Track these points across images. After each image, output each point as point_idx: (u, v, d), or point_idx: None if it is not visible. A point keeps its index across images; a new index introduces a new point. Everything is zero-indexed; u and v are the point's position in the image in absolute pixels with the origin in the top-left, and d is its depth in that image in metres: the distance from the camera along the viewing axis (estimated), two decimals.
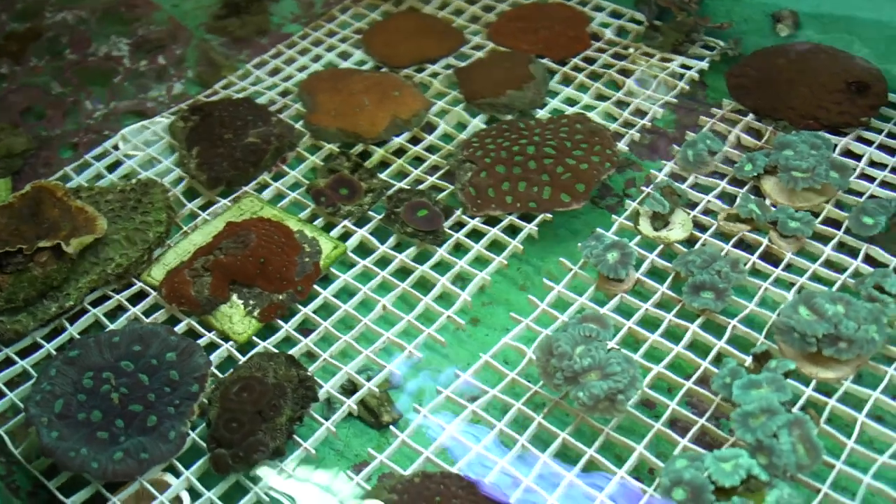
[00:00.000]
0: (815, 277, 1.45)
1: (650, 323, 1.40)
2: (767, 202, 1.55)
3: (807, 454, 1.14)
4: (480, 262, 1.52)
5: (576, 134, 1.62)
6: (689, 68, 1.86)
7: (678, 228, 1.51)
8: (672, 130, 1.76)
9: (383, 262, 1.53)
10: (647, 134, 1.76)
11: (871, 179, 1.58)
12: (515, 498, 1.19)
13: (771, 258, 1.48)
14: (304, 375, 1.29)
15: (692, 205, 1.58)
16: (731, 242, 1.50)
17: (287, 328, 1.42)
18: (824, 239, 1.50)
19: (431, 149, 1.73)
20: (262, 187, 1.68)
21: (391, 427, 1.30)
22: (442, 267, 1.52)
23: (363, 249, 1.56)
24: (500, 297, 1.50)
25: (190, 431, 1.27)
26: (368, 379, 1.35)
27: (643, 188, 1.61)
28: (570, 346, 1.23)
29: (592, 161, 1.57)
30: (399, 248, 1.55)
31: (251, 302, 1.42)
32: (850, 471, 1.19)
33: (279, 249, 1.47)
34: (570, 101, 1.82)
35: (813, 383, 1.29)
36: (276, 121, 1.74)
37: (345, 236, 1.57)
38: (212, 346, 1.40)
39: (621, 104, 1.80)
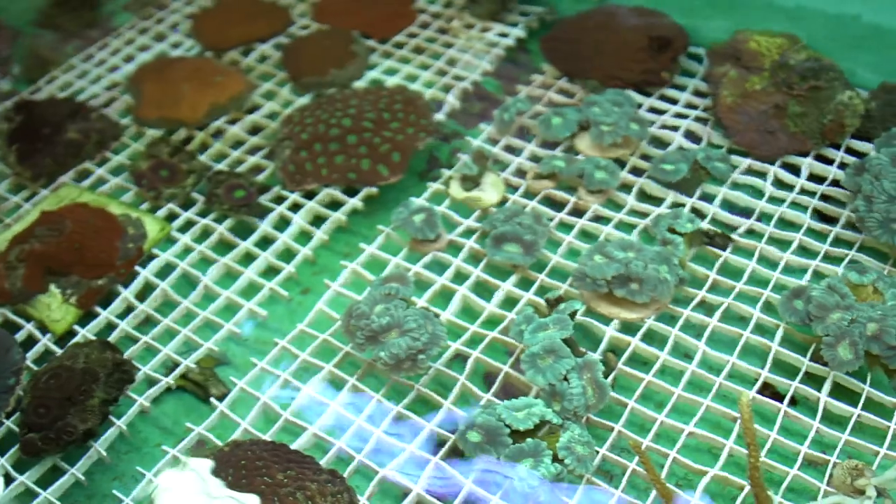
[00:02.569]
0: (624, 226, 1.52)
1: (463, 279, 1.46)
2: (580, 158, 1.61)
3: (594, 395, 1.20)
4: (306, 236, 1.56)
5: (394, 104, 1.66)
6: (507, 36, 1.92)
7: (490, 190, 1.56)
8: (501, 97, 1.81)
9: (208, 242, 1.55)
10: (477, 102, 1.81)
11: (676, 129, 1.67)
12: (328, 460, 1.23)
13: (581, 214, 1.55)
14: (119, 359, 1.31)
15: (507, 167, 1.63)
16: (537, 199, 1.56)
17: (106, 314, 1.44)
18: (630, 190, 1.58)
19: (255, 129, 1.76)
20: (85, 175, 1.68)
21: (219, 401, 1.32)
22: (267, 243, 1.55)
23: (188, 231, 1.57)
24: (330, 267, 1.53)
25: (4, 420, 1.28)
26: (191, 354, 1.38)
27: (459, 155, 1.65)
28: (368, 306, 1.28)
29: (408, 132, 1.61)
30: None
31: (69, 290, 1.43)
32: (642, 409, 1.27)
33: (97, 234, 1.48)
34: (394, 76, 1.85)
35: (615, 323, 1.36)
36: (98, 116, 1.75)
37: (170, 219, 1.59)
38: (32, 340, 1.42)
39: (444, 75, 1.85)
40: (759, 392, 1.29)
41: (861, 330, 1.24)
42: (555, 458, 1.16)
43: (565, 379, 1.20)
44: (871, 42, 1.69)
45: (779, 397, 1.28)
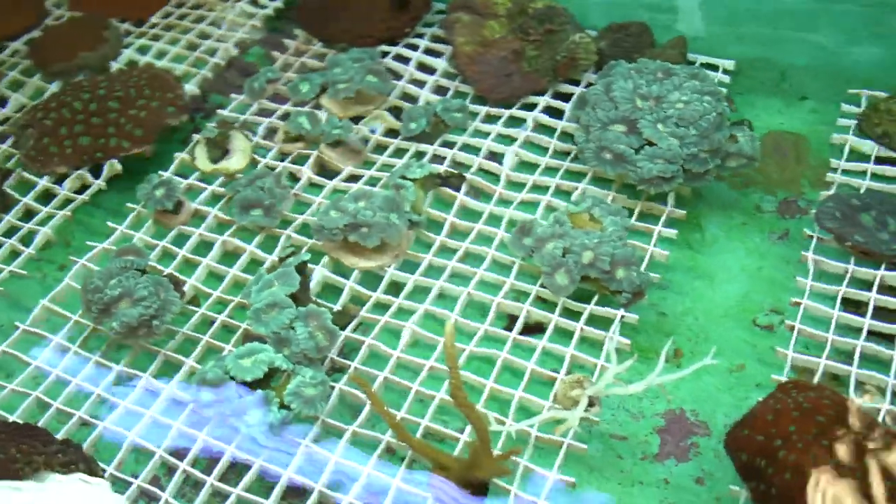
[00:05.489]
0: (372, 181, 1.56)
1: (209, 247, 1.48)
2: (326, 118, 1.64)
3: (325, 338, 1.24)
4: (52, 217, 1.55)
5: (141, 83, 1.66)
6: (264, 7, 1.94)
7: (237, 156, 1.58)
8: (261, 66, 1.82)
9: None
10: (240, 74, 1.82)
11: (423, 84, 1.72)
12: (69, 432, 1.24)
13: (327, 171, 1.59)
14: None
15: (257, 133, 1.66)
16: (289, 159, 1.59)
17: None
18: (382, 149, 1.63)
19: (4, 121, 1.74)
20: None
21: None
22: (14, 231, 1.54)
23: None
24: (84, 248, 1.52)
25: None
26: None
27: (209, 125, 1.67)
28: (102, 280, 1.29)
29: (152, 107, 1.62)
30: None
31: None
32: (380, 345, 1.32)
33: None
34: (150, 55, 1.86)
35: (356, 274, 1.41)
36: None
37: None
38: None
39: (200, 49, 1.86)
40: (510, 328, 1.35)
41: (576, 259, 1.31)
42: (284, 405, 1.19)
43: (291, 328, 1.23)
44: None
45: (538, 329, 1.35)
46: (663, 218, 1.47)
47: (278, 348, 1.23)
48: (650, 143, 1.42)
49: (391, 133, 1.65)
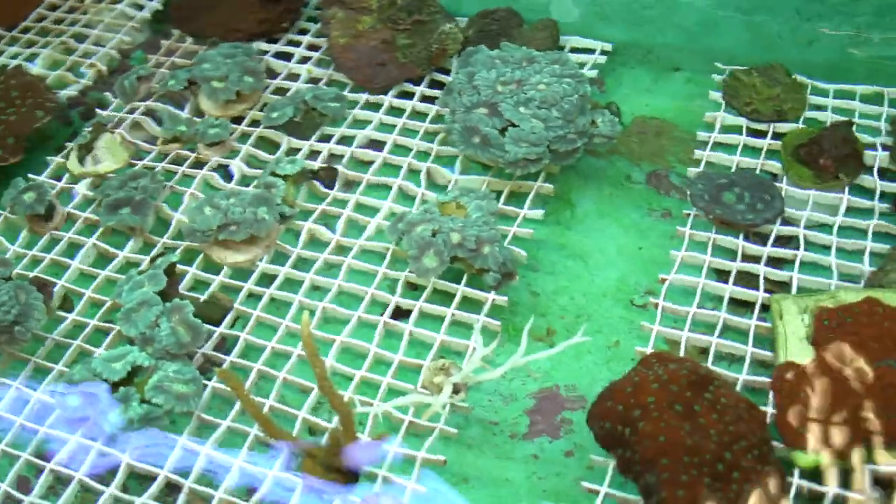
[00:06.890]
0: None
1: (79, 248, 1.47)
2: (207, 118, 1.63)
3: (187, 333, 1.25)
4: None
5: (10, 90, 1.64)
6: (142, 8, 1.93)
7: (108, 159, 1.56)
8: (141, 66, 1.80)
9: None
10: (117, 74, 1.79)
11: (298, 77, 1.73)
12: None
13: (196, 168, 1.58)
14: None
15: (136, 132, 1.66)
16: (166, 160, 1.59)
17: None
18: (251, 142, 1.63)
19: None
20: None
21: None
22: None
23: None
24: None
25: None
26: None
27: (84, 129, 1.65)
28: None
29: (23, 113, 1.60)
30: None
31: None
32: (281, 346, 1.33)
33: None
34: (21, 60, 1.82)
35: (225, 270, 1.41)
36: None
37: None
38: None
39: (75, 52, 1.84)
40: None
41: (445, 239, 1.33)
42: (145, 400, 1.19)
43: (157, 325, 1.24)
44: None
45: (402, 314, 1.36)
46: (530, 197, 1.48)
47: (143, 347, 1.24)
48: (513, 125, 1.43)
49: (256, 123, 1.65)
